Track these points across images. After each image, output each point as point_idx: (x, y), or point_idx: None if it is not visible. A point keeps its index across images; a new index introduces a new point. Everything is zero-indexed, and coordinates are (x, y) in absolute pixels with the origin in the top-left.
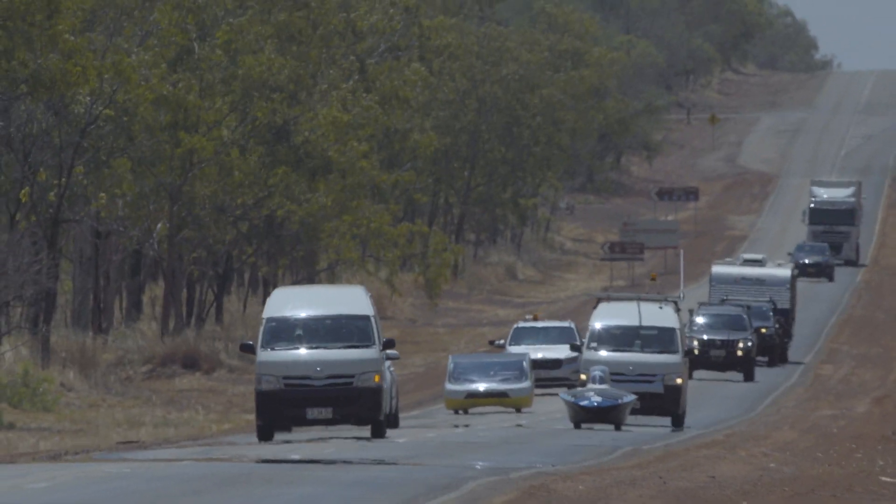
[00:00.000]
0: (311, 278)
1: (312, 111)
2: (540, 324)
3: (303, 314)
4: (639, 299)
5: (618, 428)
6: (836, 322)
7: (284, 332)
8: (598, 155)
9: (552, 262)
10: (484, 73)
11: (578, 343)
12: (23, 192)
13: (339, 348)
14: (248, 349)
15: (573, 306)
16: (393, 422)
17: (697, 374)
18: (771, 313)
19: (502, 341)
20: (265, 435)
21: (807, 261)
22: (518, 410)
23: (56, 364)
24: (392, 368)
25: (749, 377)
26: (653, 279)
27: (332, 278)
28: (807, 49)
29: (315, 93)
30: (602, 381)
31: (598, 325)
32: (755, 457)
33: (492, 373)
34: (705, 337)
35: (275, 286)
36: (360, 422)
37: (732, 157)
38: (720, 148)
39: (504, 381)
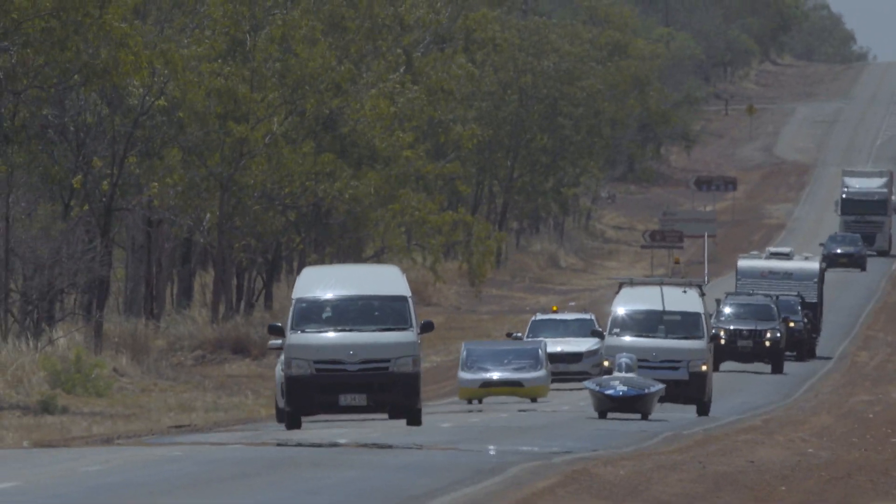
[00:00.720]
0: None
1: (359, 102)
2: (559, 316)
3: (334, 294)
4: (662, 284)
5: (644, 418)
6: (872, 310)
7: (315, 313)
8: (639, 145)
9: (594, 251)
10: (526, 65)
11: (599, 329)
12: (76, 179)
13: (374, 331)
14: (277, 331)
15: (614, 294)
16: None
17: (724, 365)
18: (799, 307)
19: (520, 334)
20: (293, 422)
21: (839, 251)
22: (533, 400)
23: (109, 350)
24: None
25: (777, 369)
26: (676, 262)
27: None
28: (843, 41)
29: (362, 84)
30: (629, 369)
31: (620, 310)
32: (793, 442)
33: (506, 361)
34: (732, 327)
35: None
36: (395, 410)
37: (769, 147)
38: (757, 138)
39: (519, 369)
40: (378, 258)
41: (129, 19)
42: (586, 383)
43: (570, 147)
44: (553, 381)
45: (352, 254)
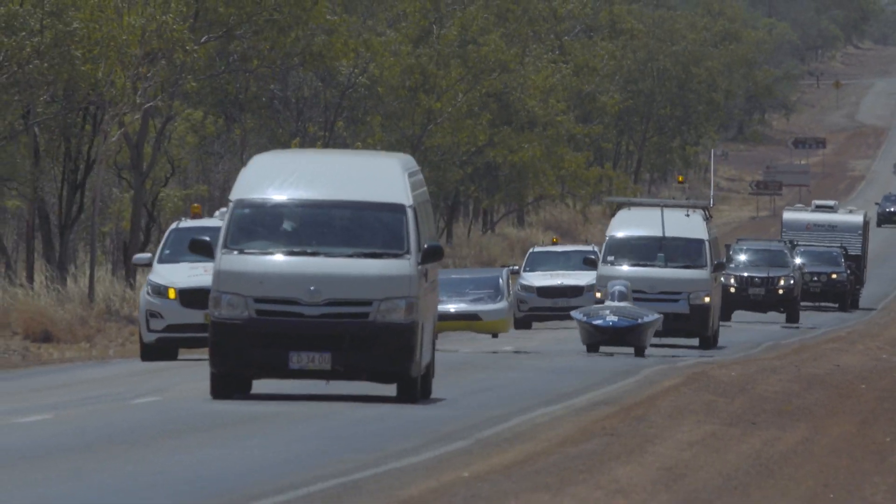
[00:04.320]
0: (521, 210)
1: (522, 78)
2: (559, 248)
3: (292, 197)
4: (663, 205)
5: (639, 352)
6: None
7: (261, 225)
8: (747, 112)
9: (711, 197)
10: (657, 49)
11: (593, 257)
12: (294, 141)
13: (350, 256)
14: (202, 249)
15: (725, 231)
16: (425, 385)
17: (736, 315)
18: (842, 259)
19: (516, 267)
20: (220, 391)
21: (892, 209)
22: (494, 336)
23: None
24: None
25: (793, 318)
26: (680, 181)
27: (538, 210)
28: None
29: (524, 64)
30: (623, 297)
31: (615, 235)
32: (871, 349)
33: (462, 291)
34: (744, 274)
35: (492, 217)
36: (376, 376)
37: (852, 114)
38: (842, 107)
39: (476, 300)
40: (537, 203)
41: (338, 12)
42: (573, 313)
43: (692, 114)
44: (552, 317)
45: (515, 199)
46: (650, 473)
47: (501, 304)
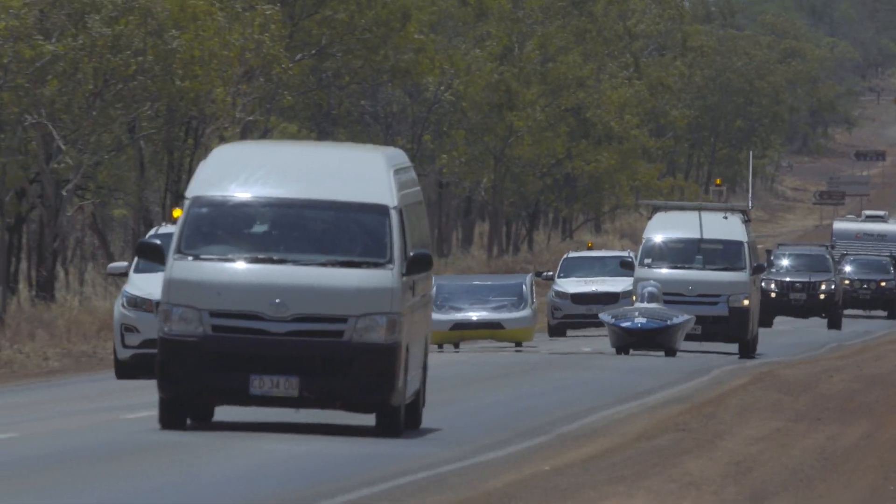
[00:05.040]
0: (597, 219)
1: (598, 94)
2: (594, 253)
3: (257, 195)
4: (700, 208)
5: (670, 353)
6: None
7: (221, 227)
8: (811, 126)
9: (776, 206)
10: (724, 66)
11: (631, 260)
12: None
13: (323, 265)
14: (152, 253)
15: (789, 239)
16: (412, 414)
17: (777, 321)
18: (891, 267)
19: (550, 273)
20: (170, 419)
21: None
22: (518, 345)
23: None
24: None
25: (834, 324)
26: (717, 184)
27: (613, 218)
28: None
29: (600, 80)
30: (653, 298)
31: (652, 238)
32: None
33: (484, 298)
34: (785, 279)
35: (571, 225)
36: (351, 405)
37: None
38: None
39: (499, 308)
40: (612, 213)
41: (425, 32)
42: (601, 315)
43: (758, 128)
44: (587, 324)
45: (592, 209)
46: (720, 467)
47: (525, 312)
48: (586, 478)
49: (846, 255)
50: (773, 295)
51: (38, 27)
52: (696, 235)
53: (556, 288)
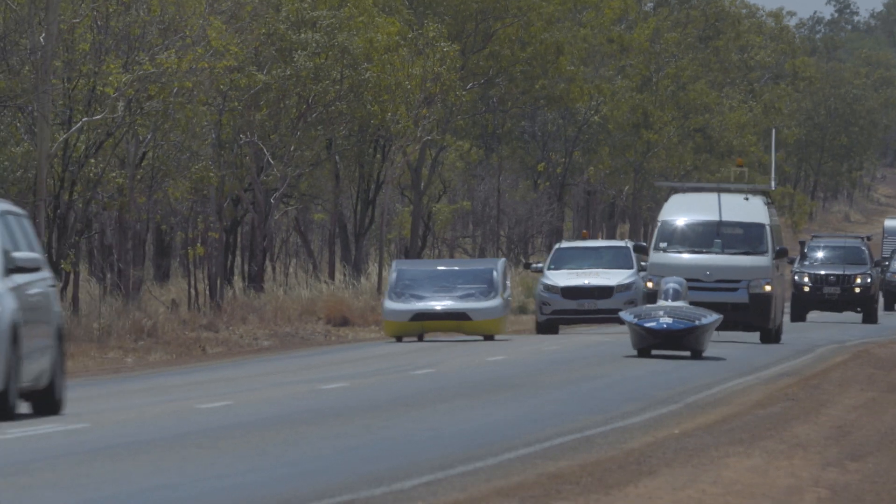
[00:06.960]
0: None
1: (721, 115)
2: (589, 243)
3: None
4: (719, 189)
5: (696, 355)
6: None
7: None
8: None
9: (872, 210)
10: (829, 93)
11: (644, 244)
12: (540, 165)
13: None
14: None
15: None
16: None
17: (811, 315)
18: None
19: (540, 264)
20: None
21: None
22: (487, 338)
23: None
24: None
25: (870, 318)
26: (739, 165)
27: None
28: None
29: (722, 104)
30: (677, 295)
31: (668, 220)
32: None
33: (450, 286)
34: (819, 272)
35: None
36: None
37: None
38: None
39: (465, 297)
40: None
41: (576, 64)
42: (622, 314)
43: (857, 144)
44: (579, 321)
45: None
46: (823, 431)
47: (495, 302)
48: (710, 440)
49: (816, 236)
50: (806, 289)
51: (252, 60)
52: (715, 218)
53: (545, 281)
